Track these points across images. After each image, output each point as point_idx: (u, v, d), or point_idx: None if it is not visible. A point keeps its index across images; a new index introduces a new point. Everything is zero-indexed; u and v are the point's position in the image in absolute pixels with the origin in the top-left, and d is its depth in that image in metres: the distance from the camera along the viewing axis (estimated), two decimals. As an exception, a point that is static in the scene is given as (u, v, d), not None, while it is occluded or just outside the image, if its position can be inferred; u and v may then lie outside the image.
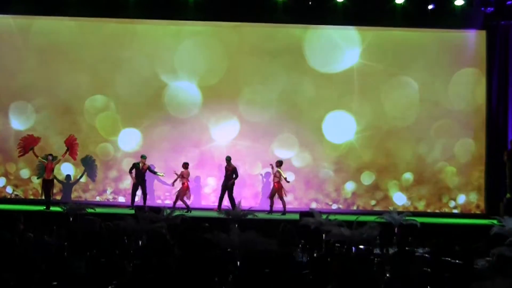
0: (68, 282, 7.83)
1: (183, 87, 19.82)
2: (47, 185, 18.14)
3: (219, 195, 18.74)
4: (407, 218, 14.36)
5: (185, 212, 17.10)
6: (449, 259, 9.28)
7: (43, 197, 18.12)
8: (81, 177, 19.68)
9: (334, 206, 19.61)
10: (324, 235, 11.48)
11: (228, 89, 19.72)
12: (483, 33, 19.91)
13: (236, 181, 18.68)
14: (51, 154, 18.36)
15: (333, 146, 19.78)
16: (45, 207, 17.56)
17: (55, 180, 18.61)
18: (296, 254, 10.91)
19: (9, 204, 18.34)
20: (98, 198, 19.70)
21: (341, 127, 19.77)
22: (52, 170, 18.22)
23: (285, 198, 18.47)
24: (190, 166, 18.82)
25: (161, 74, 19.74)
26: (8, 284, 7.32)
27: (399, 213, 14.79)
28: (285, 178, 18.47)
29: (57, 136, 19.44)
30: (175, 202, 18.44)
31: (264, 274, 7.92)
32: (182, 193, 18.49)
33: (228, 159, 18.67)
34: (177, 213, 13.59)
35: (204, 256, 8.42)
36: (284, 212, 18.16)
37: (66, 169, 19.63)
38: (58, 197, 19.14)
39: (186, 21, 19.82)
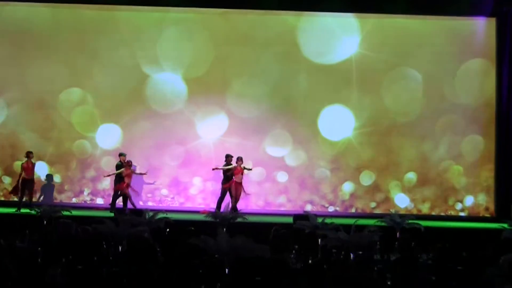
0: (42, 291, 7.84)
1: (166, 79, 19.80)
2: (26, 185, 18.01)
3: (218, 197, 18.23)
4: (409, 221, 14.42)
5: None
6: (456, 266, 9.31)
7: (21, 199, 17.99)
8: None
9: (331, 209, 19.64)
10: (319, 240, 11.50)
11: (215, 82, 19.70)
12: (492, 21, 19.94)
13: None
14: (31, 152, 18.21)
15: (330, 144, 19.79)
16: (16, 209, 17.52)
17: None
18: (290, 260, 10.93)
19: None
20: (74, 200, 19.65)
21: (338, 122, 19.78)
22: (32, 169, 18.13)
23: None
24: (174, 165, 18.96)
25: (142, 65, 19.71)
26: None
27: (401, 216, 14.87)
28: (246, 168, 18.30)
29: (30, 132, 19.42)
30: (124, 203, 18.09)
31: (255, 282, 7.94)
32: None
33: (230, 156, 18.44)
34: (160, 215, 13.61)
35: (190, 263, 8.44)
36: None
37: (41, 168, 19.54)
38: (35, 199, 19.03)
39: (169, 8, 19.79)
